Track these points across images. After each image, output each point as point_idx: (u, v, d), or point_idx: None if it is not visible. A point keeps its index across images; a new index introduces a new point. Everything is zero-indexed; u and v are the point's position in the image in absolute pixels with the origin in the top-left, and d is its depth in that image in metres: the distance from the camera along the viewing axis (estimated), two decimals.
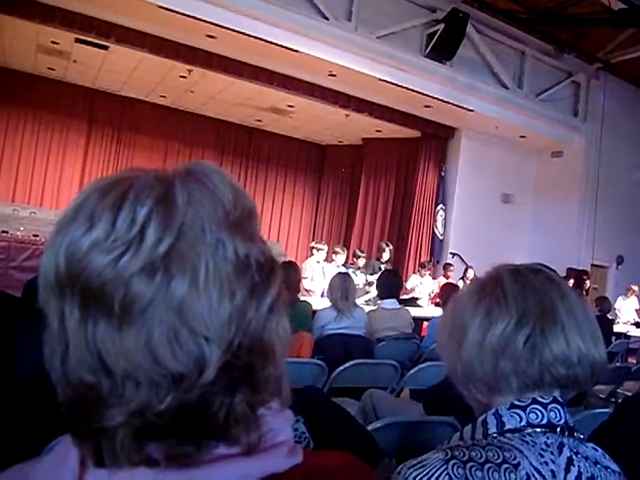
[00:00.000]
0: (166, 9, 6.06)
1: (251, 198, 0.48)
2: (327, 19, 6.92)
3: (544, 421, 0.76)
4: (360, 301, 5.46)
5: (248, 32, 6.51)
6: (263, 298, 0.44)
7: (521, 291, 0.80)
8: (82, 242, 0.40)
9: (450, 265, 8.46)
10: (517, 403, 0.77)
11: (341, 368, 2.90)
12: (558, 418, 0.76)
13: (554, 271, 1.13)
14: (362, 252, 7.02)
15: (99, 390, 0.41)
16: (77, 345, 0.41)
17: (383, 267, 6.66)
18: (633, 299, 9.04)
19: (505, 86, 8.72)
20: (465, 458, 0.70)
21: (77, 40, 7.29)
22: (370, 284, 6.46)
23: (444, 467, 0.69)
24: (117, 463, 0.41)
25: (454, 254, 9.44)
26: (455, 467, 0.69)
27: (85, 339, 0.40)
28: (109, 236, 0.40)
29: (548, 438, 0.74)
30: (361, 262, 6.80)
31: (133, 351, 0.39)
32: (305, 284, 6.22)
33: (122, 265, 0.39)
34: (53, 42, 7.62)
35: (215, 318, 0.41)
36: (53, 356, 0.43)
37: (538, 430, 0.75)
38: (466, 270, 8.27)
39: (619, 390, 4.07)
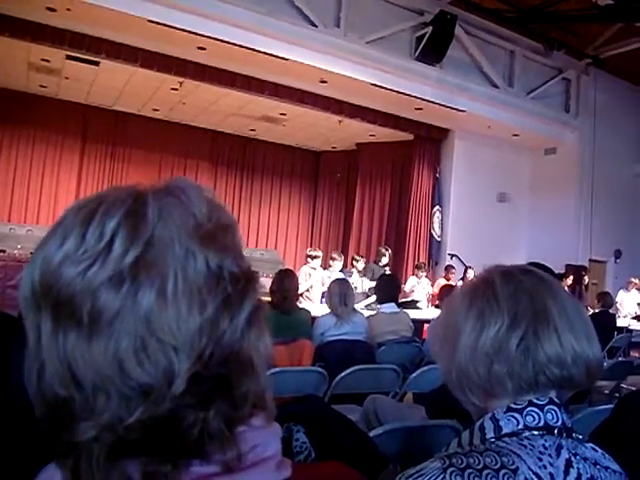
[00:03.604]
0: (155, 23, 6.09)
1: (230, 213, 0.48)
2: (316, 26, 6.95)
3: (541, 423, 0.74)
4: (360, 306, 5.45)
5: (237, 42, 6.55)
6: (238, 310, 0.43)
7: (513, 293, 0.79)
8: (55, 256, 0.42)
9: (452, 267, 8.44)
10: (513, 406, 0.76)
11: (342, 374, 2.88)
12: (555, 419, 0.75)
13: (548, 270, 1.13)
14: (361, 257, 7.03)
15: (71, 404, 0.41)
16: (50, 358, 0.41)
17: (382, 271, 6.66)
18: (634, 292, 9.04)
19: (496, 85, 8.75)
20: (463, 465, 0.68)
21: (68, 57, 7.32)
22: (370, 288, 6.45)
23: (442, 476, 0.68)
24: None
25: (452, 255, 9.44)
26: (453, 475, 0.67)
27: (57, 351, 0.41)
28: (79, 248, 0.41)
29: (546, 440, 0.73)
30: (360, 266, 6.80)
31: (102, 362, 0.40)
32: (301, 291, 6.19)
33: (90, 276, 0.40)
34: (44, 60, 7.65)
35: (184, 328, 0.40)
36: (30, 372, 0.43)
37: (536, 433, 0.74)
38: (466, 271, 8.27)
39: (623, 385, 4.05)
